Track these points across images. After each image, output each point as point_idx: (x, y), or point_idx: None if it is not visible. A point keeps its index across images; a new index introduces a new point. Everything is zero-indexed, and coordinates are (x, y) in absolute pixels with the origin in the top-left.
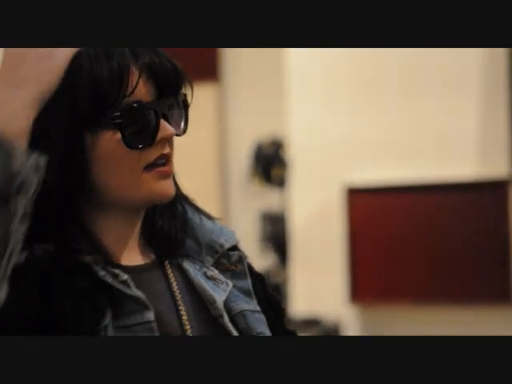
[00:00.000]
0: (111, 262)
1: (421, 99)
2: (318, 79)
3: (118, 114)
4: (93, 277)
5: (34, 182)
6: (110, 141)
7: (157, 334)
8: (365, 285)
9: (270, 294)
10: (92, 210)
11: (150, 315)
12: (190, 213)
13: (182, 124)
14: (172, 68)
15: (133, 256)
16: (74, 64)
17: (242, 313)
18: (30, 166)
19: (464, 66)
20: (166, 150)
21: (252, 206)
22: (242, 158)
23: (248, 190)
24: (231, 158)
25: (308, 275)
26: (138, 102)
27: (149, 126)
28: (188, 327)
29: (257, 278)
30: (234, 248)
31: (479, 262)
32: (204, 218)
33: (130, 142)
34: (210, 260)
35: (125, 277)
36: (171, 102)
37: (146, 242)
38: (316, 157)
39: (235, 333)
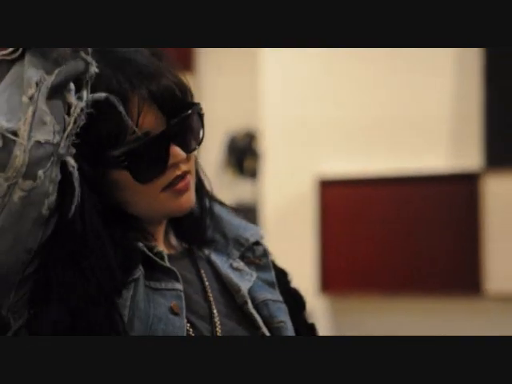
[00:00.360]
0: (149, 239)
1: (394, 92)
2: (291, 71)
3: (122, 156)
4: (133, 243)
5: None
6: (121, 177)
7: (184, 302)
8: (335, 275)
9: (292, 288)
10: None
11: (179, 286)
12: (217, 208)
13: (197, 137)
14: (174, 88)
15: (164, 246)
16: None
17: (265, 302)
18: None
19: (438, 59)
20: (181, 170)
21: (225, 196)
22: (215, 150)
23: (221, 181)
24: (204, 149)
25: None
26: (143, 135)
27: (158, 157)
28: (215, 310)
29: (280, 272)
30: (258, 243)
31: (450, 253)
32: (230, 214)
33: (141, 178)
34: (236, 253)
35: (160, 249)
36: (181, 121)
37: (174, 234)
38: (288, 148)
39: (259, 319)
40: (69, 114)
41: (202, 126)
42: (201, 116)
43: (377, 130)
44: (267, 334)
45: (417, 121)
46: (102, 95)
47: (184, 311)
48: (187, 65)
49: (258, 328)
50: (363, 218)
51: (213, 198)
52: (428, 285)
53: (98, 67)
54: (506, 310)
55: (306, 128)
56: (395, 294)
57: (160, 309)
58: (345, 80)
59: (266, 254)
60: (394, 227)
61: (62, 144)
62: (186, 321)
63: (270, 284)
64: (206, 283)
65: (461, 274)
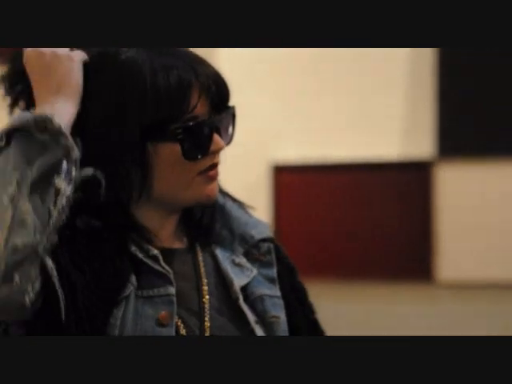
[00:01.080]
0: (146, 240)
1: (348, 80)
2: (245, 60)
3: (180, 129)
4: (125, 251)
5: (76, 168)
6: (169, 152)
7: (175, 306)
8: None
9: (297, 282)
10: (144, 208)
11: (172, 290)
12: (229, 205)
13: (230, 134)
14: (224, 84)
15: (170, 240)
16: (136, 76)
17: (261, 297)
18: (74, 155)
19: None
20: (217, 160)
21: None
22: None
23: None
24: None
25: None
26: (196, 117)
27: (204, 141)
28: (207, 305)
29: (286, 266)
30: (265, 240)
31: (402, 240)
32: (242, 212)
33: (189, 155)
34: (240, 249)
35: (155, 252)
36: (223, 116)
37: (183, 228)
38: (242, 135)
39: (250, 314)
40: (56, 201)
41: (234, 125)
42: (234, 116)
43: (331, 117)
44: (257, 330)
45: (370, 109)
46: (89, 172)
47: (174, 318)
48: None
49: (248, 324)
50: (317, 204)
51: (226, 195)
52: (380, 272)
53: (161, 58)
54: (457, 297)
55: (260, 115)
56: (348, 280)
57: (147, 323)
58: (299, 69)
59: (270, 251)
60: (347, 214)
61: (43, 243)
62: (174, 329)
63: (271, 280)
64: (204, 279)
65: (413, 261)
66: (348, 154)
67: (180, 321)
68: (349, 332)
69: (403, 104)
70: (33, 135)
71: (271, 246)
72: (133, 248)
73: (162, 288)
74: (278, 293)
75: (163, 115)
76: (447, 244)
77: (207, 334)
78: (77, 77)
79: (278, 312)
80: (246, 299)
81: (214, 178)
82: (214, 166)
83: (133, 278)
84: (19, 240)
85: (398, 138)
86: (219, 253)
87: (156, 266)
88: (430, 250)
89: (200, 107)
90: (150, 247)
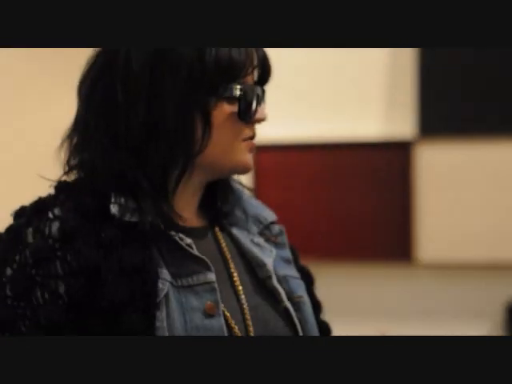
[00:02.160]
0: (175, 224)
1: (329, 58)
2: None
3: (240, 88)
4: (159, 236)
5: None
6: (224, 111)
7: (219, 294)
8: None
9: (301, 265)
10: (171, 178)
11: (212, 276)
12: (238, 187)
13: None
14: (270, 63)
15: (193, 219)
16: (199, 50)
17: (286, 277)
18: None
19: None
20: (255, 131)
21: None
22: None
23: None
24: None
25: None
26: (251, 84)
27: (253, 107)
28: (240, 287)
29: (293, 249)
30: (274, 223)
31: (382, 220)
32: (250, 196)
33: (243, 115)
34: (255, 229)
35: (188, 240)
36: (264, 92)
37: (202, 208)
38: None
39: (283, 292)
40: None
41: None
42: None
43: (311, 97)
44: (290, 307)
45: (351, 88)
46: None
47: (220, 305)
48: None
49: (281, 301)
50: (296, 184)
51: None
52: (360, 252)
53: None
54: (437, 278)
55: None
56: (328, 260)
57: (194, 316)
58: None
59: (281, 232)
60: (327, 194)
61: None
62: (223, 318)
63: (287, 261)
64: (229, 259)
65: (393, 241)
66: (328, 133)
67: (223, 306)
68: (328, 312)
69: (384, 84)
70: None
71: (282, 227)
72: (172, 233)
73: (201, 274)
74: (297, 274)
75: (226, 72)
76: (427, 224)
77: (246, 315)
78: None
79: (302, 292)
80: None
81: (253, 149)
82: (255, 135)
83: (166, 273)
84: None
85: (379, 117)
86: (237, 232)
87: (194, 252)
88: (410, 230)
89: (251, 77)
90: (183, 235)
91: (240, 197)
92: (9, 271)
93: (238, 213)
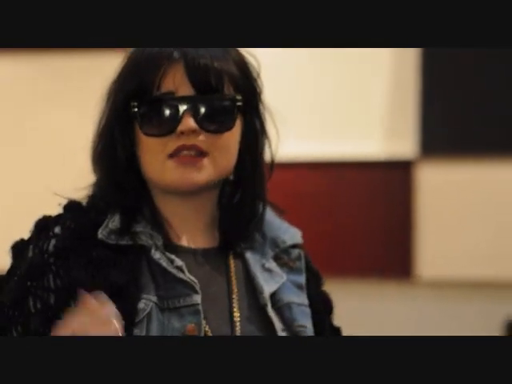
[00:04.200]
0: (171, 245)
1: (331, 77)
2: None
3: (136, 104)
4: (151, 258)
5: None
6: (137, 127)
7: (202, 315)
8: None
9: (322, 291)
10: (158, 193)
11: (197, 298)
12: (263, 209)
13: (223, 122)
14: (210, 67)
15: (197, 238)
16: (123, 59)
17: (289, 304)
18: None
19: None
20: (191, 142)
21: None
22: None
23: None
24: None
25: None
26: (163, 94)
27: (169, 119)
28: (236, 309)
29: (313, 274)
30: (295, 246)
31: (383, 239)
32: (274, 216)
33: (147, 130)
34: (270, 253)
35: (180, 263)
36: (207, 99)
37: (216, 228)
38: None
39: (277, 321)
40: None
41: (234, 115)
42: (235, 106)
43: (313, 115)
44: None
45: (353, 107)
46: None
47: (202, 327)
48: None
49: (275, 331)
50: (298, 201)
51: (265, 202)
52: (361, 269)
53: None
54: (437, 295)
55: None
56: (329, 277)
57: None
58: (281, 66)
59: (300, 257)
60: (328, 211)
61: None
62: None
63: (299, 287)
64: (234, 281)
65: (394, 259)
66: (329, 152)
67: (210, 331)
68: None
69: (386, 103)
70: None
71: (302, 252)
72: (156, 256)
73: (188, 297)
74: (306, 301)
75: (128, 91)
76: (428, 242)
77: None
78: None
79: (305, 321)
80: (273, 305)
81: (187, 165)
82: (192, 150)
83: (151, 295)
84: None
85: (381, 136)
86: (250, 256)
87: (181, 276)
88: (411, 248)
89: (175, 85)
90: (174, 256)
91: (262, 219)
92: (11, 283)
93: (256, 235)
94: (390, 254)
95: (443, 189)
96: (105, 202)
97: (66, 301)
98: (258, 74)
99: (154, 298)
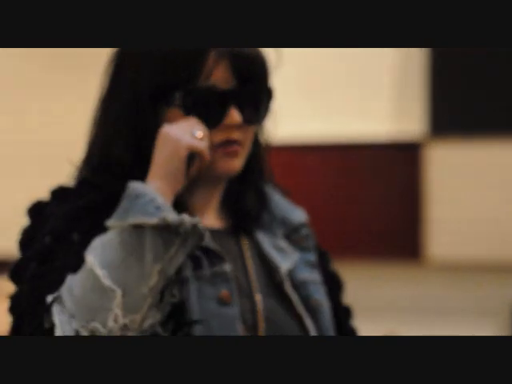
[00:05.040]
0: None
1: (337, 59)
2: None
3: (182, 95)
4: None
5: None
6: (176, 115)
7: (234, 285)
8: None
9: (332, 269)
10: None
11: (227, 267)
12: (269, 189)
13: (259, 113)
14: (254, 57)
15: (210, 220)
16: (154, 50)
17: (304, 282)
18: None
19: None
20: (235, 136)
21: None
22: None
23: None
24: None
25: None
26: (211, 87)
27: (215, 112)
28: (255, 285)
29: (321, 253)
30: (303, 225)
31: (392, 220)
32: (280, 196)
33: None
34: (280, 232)
35: (206, 232)
36: (248, 92)
37: (225, 209)
38: None
39: (295, 297)
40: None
41: (268, 107)
42: (270, 99)
43: (320, 97)
44: (303, 313)
45: (360, 87)
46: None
47: (235, 294)
48: None
49: (294, 307)
50: (306, 183)
51: (267, 180)
52: (370, 251)
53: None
54: (446, 276)
55: None
56: (338, 258)
57: (210, 304)
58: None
59: (309, 236)
60: (336, 193)
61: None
62: (238, 308)
63: (311, 265)
64: (249, 260)
65: (403, 240)
66: (338, 134)
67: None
68: None
69: (394, 84)
70: (176, 231)
71: (310, 230)
72: None
73: (217, 266)
74: (319, 278)
75: (172, 79)
76: (437, 223)
77: (260, 315)
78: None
79: (321, 297)
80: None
81: (232, 155)
82: (231, 142)
83: (187, 261)
84: (150, 321)
85: (390, 117)
86: (261, 236)
87: (209, 245)
88: (420, 229)
89: (220, 76)
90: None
91: (269, 198)
92: (46, 227)
93: (264, 215)
94: (399, 234)
95: (452, 169)
96: (113, 185)
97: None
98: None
99: (191, 265)
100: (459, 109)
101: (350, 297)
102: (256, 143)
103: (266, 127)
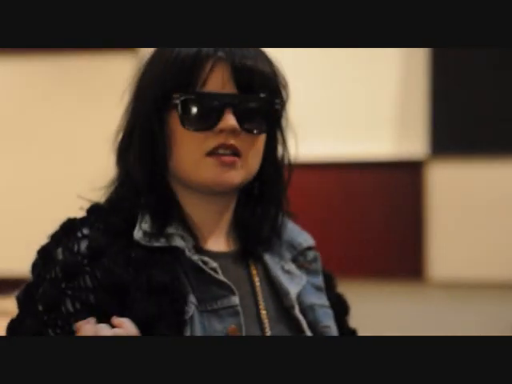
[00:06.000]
0: (199, 248)
1: (340, 77)
2: None
3: (178, 96)
4: (185, 260)
5: None
6: (174, 121)
7: (242, 317)
8: None
9: (338, 293)
10: (184, 194)
11: (236, 299)
12: (277, 213)
13: (261, 123)
14: (254, 68)
15: (218, 242)
16: (159, 53)
17: (312, 306)
18: None
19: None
20: (230, 141)
21: None
22: None
23: None
24: None
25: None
26: (206, 92)
27: (210, 115)
28: (263, 310)
29: (327, 277)
30: (310, 248)
31: (394, 239)
32: (287, 219)
33: (186, 124)
34: (288, 256)
35: (214, 264)
36: (247, 100)
37: (234, 231)
38: None
39: (304, 323)
40: None
41: (271, 118)
42: (273, 109)
43: (323, 115)
44: None
45: (363, 107)
46: None
47: (243, 328)
48: None
49: (304, 332)
50: (308, 202)
51: (284, 207)
52: (372, 270)
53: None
54: (448, 296)
55: None
56: (340, 278)
57: None
58: (291, 66)
59: (316, 259)
60: (339, 212)
61: None
62: None
63: (318, 289)
64: (257, 283)
65: (405, 260)
66: (340, 153)
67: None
68: None
69: (396, 103)
70: None
71: (317, 254)
72: (194, 257)
73: (225, 299)
74: (327, 302)
75: (171, 84)
76: (439, 243)
77: None
78: None
79: (329, 322)
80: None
81: (227, 164)
82: (229, 149)
83: (192, 296)
84: None
85: (391, 137)
86: (268, 258)
87: (218, 277)
88: (422, 248)
89: (217, 82)
90: (207, 258)
91: (281, 224)
92: (40, 290)
93: (273, 238)
94: (401, 254)
95: (454, 189)
96: (131, 202)
97: (108, 300)
98: (287, 84)
99: (194, 300)
100: (461, 128)
101: (353, 317)
102: (273, 164)
103: (288, 148)
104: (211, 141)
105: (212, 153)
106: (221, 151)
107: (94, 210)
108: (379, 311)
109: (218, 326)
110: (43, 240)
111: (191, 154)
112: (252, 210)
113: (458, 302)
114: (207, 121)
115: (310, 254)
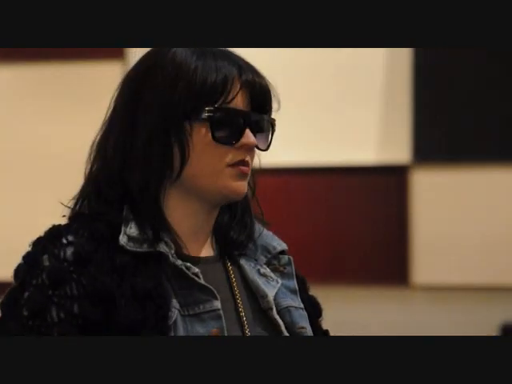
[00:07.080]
0: (181, 254)
1: (325, 85)
2: None
3: (212, 111)
4: (168, 266)
5: None
6: (203, 133)
7: (224, 321)
8: None
9: (310, 295)
10: (179, 202)
11: (218, 303)
12: (252, 219)
13: (266, 141)
14: (268, 90)
15: (201, 248)
16: (184, 61)
17: (288, 308)
18: None
19: (368, 52)
20: (247, 157)
21: None
22: None
23: None
24: None
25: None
26: (232, 107)
27: (235, 130)
28: (242, 313)
29: (300, 280)
30: (283, 252)
31: (379, 244)
32: (259, 224)
33: (218, 137)
34: (263, 259)
35: (196, 269)
36: (261, 119)
37: (214, 237)
38: None
39: (282, 324)
40: None
41: (271, 135)
42: (274, 128)
43: (308, 122)
44: None
45: (347, 114)
46: None
47: (225, 331)
48: (118, 52)
49: (282, 333)
50: (294, 207)
51: (252, 210)
52: (356, 275)
53: (208, 55)
54: (432, 301)
55: None
56: (324, 283)
57: None
58: (274, 72)
59: (290, 262)
60: (323, 218)
61: None
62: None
63: (293, 291)
64: (236, 289)
65: (389, 265)
66: (325, 158)
67: (227, 334)
68: None
69: (380, 110)
70: None
71: (290, 258)
72: (178, 262)
73: (207, 303)
74: (301, 304)
75: (199, 97)
76: (422, 248)
77: None
78: None
79: (304, 323)
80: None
81: (244, 175)
82: (245, 162)
83: (174, 302)
84: None
85: (375, 143)
86: (244, 262)
87: (200, 281)
88: (406, 254)
89: (240, 101)
90: (189, 264)
91: (255, 228)
92: (26, 294)
93: (249, 243)
94: (385, 260)
95: (437, 195)
96: (116, 210)
97: (91, 310)
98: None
99: (177, 305)
100: (444, 134)
101: (336, 321)
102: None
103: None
104: (234, 154)
105: (233, 165)
106: (240, 163)
107: (78, 217)
108: (364, 316)
109: (200, 330)
110: (24, 246)
111: (213, 164)
112: (229, 216)
113: (441, 306)
114: (233, 135)
115: (284, 258)
